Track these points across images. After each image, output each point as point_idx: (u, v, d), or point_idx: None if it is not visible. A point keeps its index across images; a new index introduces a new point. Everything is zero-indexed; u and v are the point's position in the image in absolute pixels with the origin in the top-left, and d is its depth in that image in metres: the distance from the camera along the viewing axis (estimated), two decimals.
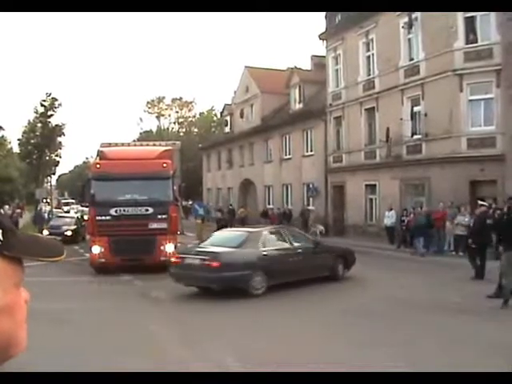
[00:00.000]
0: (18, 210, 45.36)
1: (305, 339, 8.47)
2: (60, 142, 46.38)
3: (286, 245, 13.43)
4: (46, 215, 36.05)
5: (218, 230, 16.61)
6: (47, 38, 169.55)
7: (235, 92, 42.59)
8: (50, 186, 53.67)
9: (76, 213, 43.43)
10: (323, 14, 30.11)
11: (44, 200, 45.57)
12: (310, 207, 31.03)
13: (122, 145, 21.19)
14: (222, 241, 13.05)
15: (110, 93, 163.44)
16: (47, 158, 45.82)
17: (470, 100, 20.76)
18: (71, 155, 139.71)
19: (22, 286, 0.88)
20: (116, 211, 15.78)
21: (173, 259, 13.06)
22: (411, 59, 23.47)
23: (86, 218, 36.35)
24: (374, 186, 26.00)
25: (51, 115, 43.24)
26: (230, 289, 11.91)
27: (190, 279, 12.32)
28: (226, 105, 44.94)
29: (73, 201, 68.65)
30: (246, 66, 40.39)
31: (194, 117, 69.32)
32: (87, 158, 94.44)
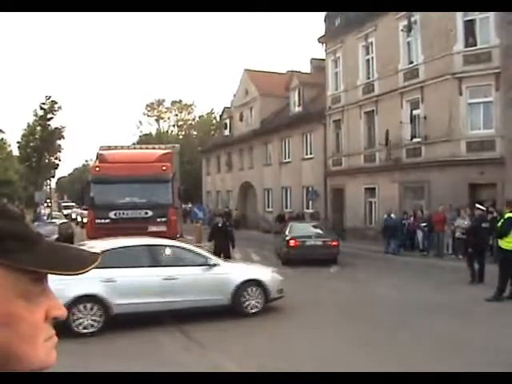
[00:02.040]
0: None
1: (302, 340, 8.47)
2: (59, 145, 46.41)
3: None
4: (45, 218, 36.07)
5: (219, 239, 16.52)
6: (47, 40, 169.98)
7: (235, 95, 42.64)
8: (50, 189, 53.66)
9: (74, 217, 43.19)
10: (323, 16, 30.19)
11: (45, 203, 45.50)
12: (310, 210, 31.02)
13: (122, 148, 21.12)
14: (306, 230, 18.94)
15: (110, 96, 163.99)
16: (47, 160, 45.77)
17: (470, 103, 20.80)
18: (71, 158, 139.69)
19: (41, 300, 0.79)
20: (115, 214, 15.73)
21: (291, 243, 17.81)
22: (410, 62, 23.51)
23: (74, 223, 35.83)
24: (374, 189, 26.00)
25: (51, 118, 43.26)
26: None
27: (313, 255, 17.41)
28: (225, 108, 44.99)
29: (73, 204, 68.44)
30: (245, 69, 40.43)
31: (194, 120, 69.31)
32: (87, 161, 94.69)
